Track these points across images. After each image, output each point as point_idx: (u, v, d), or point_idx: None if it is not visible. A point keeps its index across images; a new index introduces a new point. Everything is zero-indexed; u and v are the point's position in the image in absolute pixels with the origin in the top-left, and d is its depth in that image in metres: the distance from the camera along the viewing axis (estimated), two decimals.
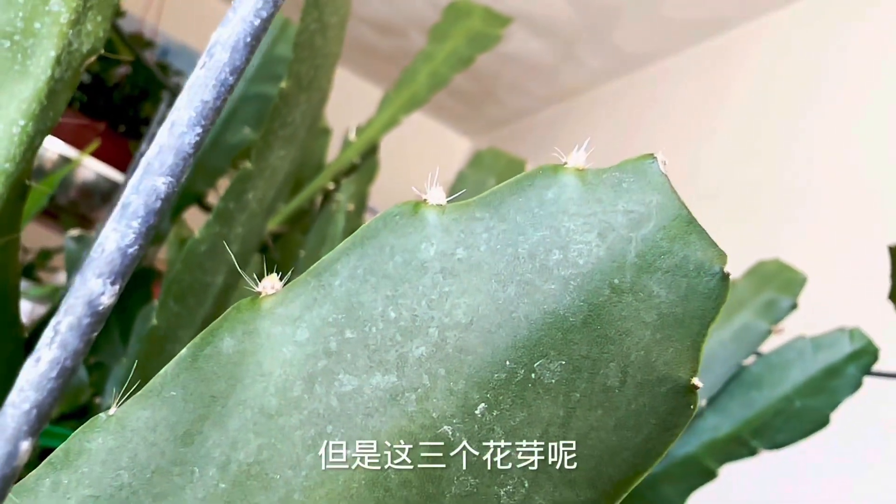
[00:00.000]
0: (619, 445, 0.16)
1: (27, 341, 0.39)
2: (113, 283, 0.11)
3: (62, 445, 0.16)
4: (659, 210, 0.16)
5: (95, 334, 0.11)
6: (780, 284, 0.63)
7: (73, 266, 0.58)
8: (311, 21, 0.43)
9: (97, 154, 1.67)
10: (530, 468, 0.16)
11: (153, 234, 0.12)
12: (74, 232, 0.59)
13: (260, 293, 0.17)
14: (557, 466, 0.16)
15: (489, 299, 0.16)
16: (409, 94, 0.73)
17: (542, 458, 0.16)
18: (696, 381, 0.16)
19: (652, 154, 0.17)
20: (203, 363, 0.16)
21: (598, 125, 2.10)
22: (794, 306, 0.60)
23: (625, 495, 0.16)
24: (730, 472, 0.58)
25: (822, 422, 0.57)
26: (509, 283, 0.16)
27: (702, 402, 0.58)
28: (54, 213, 1.75)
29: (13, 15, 0.31)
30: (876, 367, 0.56)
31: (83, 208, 1.81)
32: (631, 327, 0.16)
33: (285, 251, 0.70)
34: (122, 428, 0.16)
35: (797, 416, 0.59)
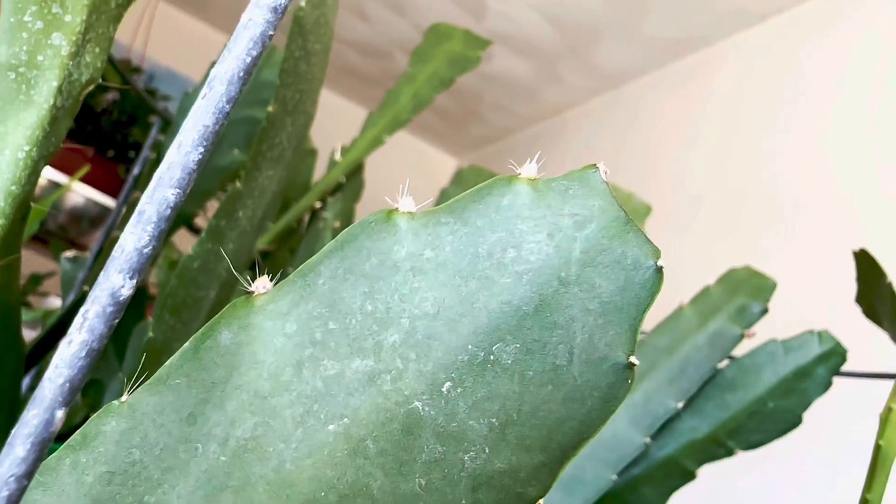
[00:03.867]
0: (567, 416, 0.18)
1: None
2: (131, 278, 0.14)
3: (80, 430, 0.18)
4: (600, 213, 0.19)
5: (117, 321, 0.14)
6: (751, 290, 0.64)
7: (70, 285, 0.60)
8: (296, 49, 0.46)
9: (86, 179, 1.68)
10: (490, 437, 0.18)
11: (164, 236, 0.14)
12: (70, 253, 0.61)
13: (253, 292, 0.19)
14: (514, 435, 0.18)
15: (453, 292, 0.19)
16: (393, 115, 0.76)
17: (501, 428, 0.18)
18: (633, 359, 0.18)
19: (595, 165, 0.19)
20: (204, 354, 0.18)
21: (581, 142, 2.13)
22: (764, 311, 0.62)
23: (572, 459, 0.18)
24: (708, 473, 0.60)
25: (795, 421, 0.58)
26: (471, 279, 0.19)
27: (679, 405, 0.60)
28: (44, 239, 1.76)
29: (18, 48, 0.33)
30: (844, 368, 0.58)
31: (72, 233, 1.83)
32: (576, 314, 0.18)
33: (274, 268, 0.72)
34: (133, 412, 0.18)
35: (771, 416, 0.60)
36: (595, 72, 1.99)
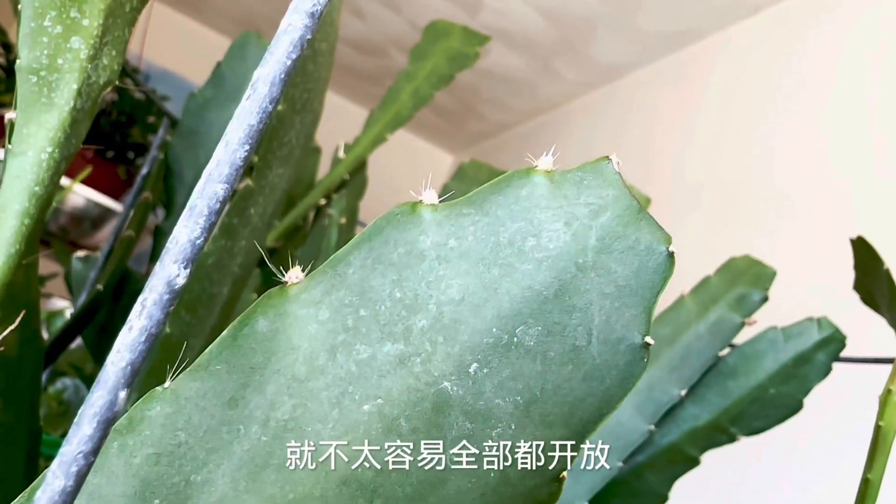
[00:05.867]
0: (587, 393, 0.19)
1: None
2: (185, 267, 0.15)
3: (126, 414, 0.19)
4: (614, 202, 0.20)
5: (173, 308, 0.15)
6: (751, 279, 0.65)
7: (81, 285, 0.61)
8: None
9: (86, 180, 1.69)
10: (516, 414, 0.19)
11: (213, 228, 0.15)
12: (80, 253, 0.62)
13: (286, 283, 0.20)
14: (538, 412, 0.19)
15: (477, 279, 0.20)
16: (394, 113, 0.77)
17: (525, 405, 0.19)
18: (648, 339, 0.19)
19: (608, 156, 0.21)
20: (242, 341, 0.19)
21: (578, 136, 2.14)
22: (765, 299, 0.62)
23: (594, 433, 0.19)
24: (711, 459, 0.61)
25: (796, 407, 0.59)
26: (493, 266, 0.20)
27: (681, 393, 0.61)
28: (45, 241, 1.76)
29: (39, 53, 0.34)
30: (844, 354, 0.59)
31: (73, 234, 1.83)
32: (594, 298, 0.20)
33: (281, 265, 0.73)
34: (177, 397, 0.19)
35: (772, 402, 0.61)
36: (591, 66, 2.00)
